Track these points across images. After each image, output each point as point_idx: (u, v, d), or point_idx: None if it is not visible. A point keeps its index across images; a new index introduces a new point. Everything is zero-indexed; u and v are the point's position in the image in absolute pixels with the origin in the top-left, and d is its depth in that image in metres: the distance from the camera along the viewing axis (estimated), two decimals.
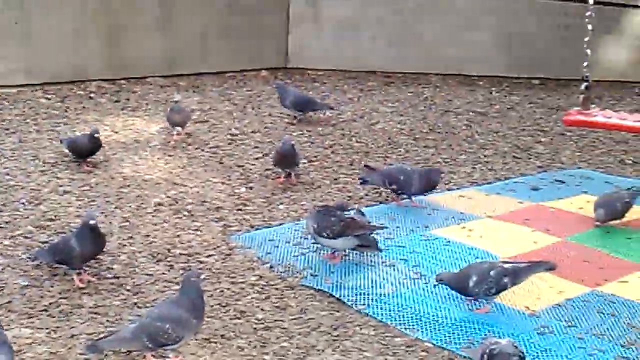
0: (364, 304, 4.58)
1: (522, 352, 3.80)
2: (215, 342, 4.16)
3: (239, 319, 4.39)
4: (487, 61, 10.22)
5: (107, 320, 4.30)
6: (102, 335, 4.01)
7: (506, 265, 4.50)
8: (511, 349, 3.79)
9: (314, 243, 5.17)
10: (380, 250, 5.08)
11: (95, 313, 4.36)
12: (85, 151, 6.48)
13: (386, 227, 5.27)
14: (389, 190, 6.07)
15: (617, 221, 5.72)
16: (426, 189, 6.01)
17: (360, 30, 10.17)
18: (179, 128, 7.22)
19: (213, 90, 9.01)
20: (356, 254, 5.13)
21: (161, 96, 8.63)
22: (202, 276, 4.12)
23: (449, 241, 5.40)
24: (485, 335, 4.14)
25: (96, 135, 6.45)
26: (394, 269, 4.97)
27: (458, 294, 4.53)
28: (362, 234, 4.99)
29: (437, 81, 9.94)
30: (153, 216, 5.64)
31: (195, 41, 9.59)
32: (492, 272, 4.40)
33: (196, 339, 4.12)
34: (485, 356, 3.77)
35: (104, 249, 4.82)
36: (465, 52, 10.18)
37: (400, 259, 5.09)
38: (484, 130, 8.10)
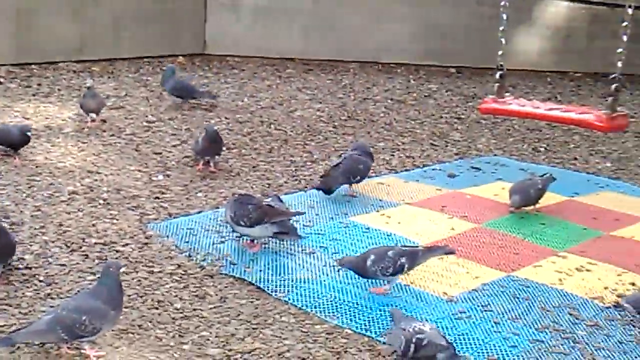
0: (284, 292, 4.56)
1: (449, 340, 3.86)
2: (133, 333, 4.08)
3: (156, 308, 4.31)
4: (404, 49, 10.31)
5: (20, 312, 4.15)
6: (15, 328, 3.89)
7: (405, 248, 4.58)
8: (440, 337, 3.83)
9: (232, 232, 5.12)
10: (300, 237, 5.07)
11: (7, 305, 4.21)
12: (12, 143, 6.23)
13: (303, 213, 5.25)
14: (347, 185, 6.03)
15: (531, 207, 5.85)
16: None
17: (279, 17, 10.13)
18: (93, 114, 7.05)
19: (128, 76, 8.83)
20: (276, 242, 5.10)
21: (74, 82, 8.42)
22: (122, 267, 4.03)
23: (368, 228, 5.42)
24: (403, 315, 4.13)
25: (28, 133, 6.24)
26: (313, 257, 4.96)
27: (358, 276, 4.55)
28: (279, 222, 4.96)
29: (356, 69, 9.99)
30: (67, 205, 5.49)
31: (110, 26, 9.38)
32: (389, 253, 4.46)
33: (113, 330, 4.03)
34: (412, 345, 3.79)
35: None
36: (382, 40, 10.25)
37: (320, 247, 5.09)
38: (402, 118, 8.17)
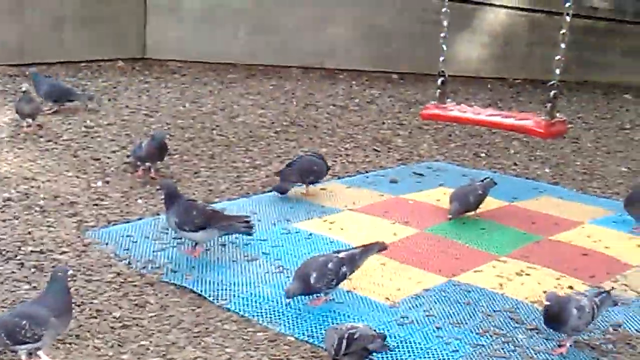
0: (225, 299, 4.50)
1: (383, 334, 3.90)
2: (70, 343, 3.98)
3: (95, 318, 4.22)
4: (347, 55, 10.33)
5: None
6: None
7: (341, 255, 4.52)
8: (371, 331, 3.86)
9: (175, 238, 5.05)
10: (250, 233, 5.01)
11: None
12: None
13: (248, 217, 5.19)
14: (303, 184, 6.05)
15: (472, 212, 5.90)
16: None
17: (221, 22, 10.07)
18: (29, 119, 6.89)
19: (67, 80, 8.66)
20: (218, 249, 5.04)
21: (10, 86, 8.24)
22: (69, 272, 3.95)
23: (310, 234, 5.39)
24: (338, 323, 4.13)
25: None
26: (255, 264, 4.92)
27: (307, 296, 4.48)
28: (224, 226, 4.91)
29: (298, 74, 9.97)
30: (1, 212, 5.36)
31: (48, 29, 9.20)
32: (330, 265, 4.41)
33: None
34: (344, 341, 3.79)
35: None
36: (325, 45, 10.27)
37: (262, 253, 5.05)
38: (344, 124, 8.18)
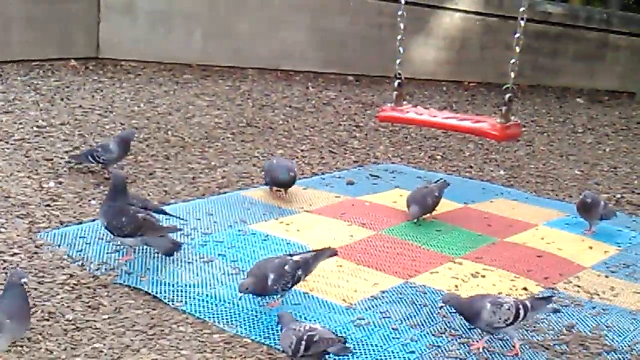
0: (181, 301, 4.45)
1: (343, 337, 3.89)
2: (22, 346, 3.89)
3: (47, 320, 4.14)
4: (303, 57, 10.33)
5: None
6: None
7: (295, 258, 4.50)
8: (330, 333, 3.85)
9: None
10: (172, 254, 4.84)
11: None
12: None
13: (180, 230, 5.03)
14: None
15: (428, 214, 5.92)
16: None
17: (176, 23, 9.99)
18: None
19: (17, 79, 8.51)
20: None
21: None
22: (24, 277, 3.86)
23: (267, 236, 5.37)
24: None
25: None
26: (211, 265, 4.87)
27: (260, 297, 4.44)
28: (151, 239, 4.80)
29: (254, 75, 9.94)
30: None
31: None
32: (286, 267, 4.39)
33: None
34: (303, 343, 3.77)
35: None
36: (280, 47, 10.25)
37: (219, 254, 5.01)
38: (300, 125, 8.17)
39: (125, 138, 6.25)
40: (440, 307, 4.43)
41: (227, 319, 4.32)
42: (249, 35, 10.14)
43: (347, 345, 3.92)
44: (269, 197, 6.08)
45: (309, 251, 4.70)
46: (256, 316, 4.35)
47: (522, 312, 4.17)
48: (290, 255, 4.57)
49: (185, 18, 9.99)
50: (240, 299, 4.41)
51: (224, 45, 10.11)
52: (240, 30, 10.11)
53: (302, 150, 7.40)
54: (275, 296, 4.47)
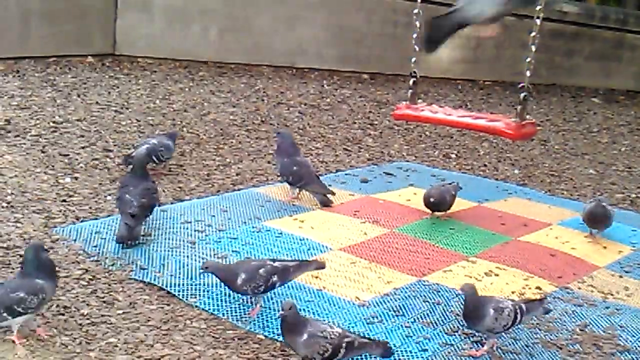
0: (195, 297, 4.48)
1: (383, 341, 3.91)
2: (37, 340, 3.93)
3: (62, 315, 4.17)
4: (318, 54, 10.34)
5: None
6: None
7: (276, 264, 4.43)
8: (363, 338, 3.87)
9: (145, 235, 5.02)
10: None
11: None
12: None
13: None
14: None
15: (442, 213, 5.93)
16: None
17: (192, 20, 10.02)
18: None
19: (35, 75, 8.56)
20: (187, 246, 5.02)
21: None
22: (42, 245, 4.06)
23: (281, 233, 5.39)
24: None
25: None
26: (225, 262, 4.89)
27: (227, 288, 4.42)
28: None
29: (269, 73, 9.96)
30: None
31: (15, 23, 9.08)
32: (261, 271, 4.34)
33: (17, 337, 3.89)
34: (342, 351, 3.76)
35: None
36: (296, 44, 10.27)
37: (233, 251, 5.03)
38: (315, 123, 8.18)
39: (175, 136, 6.45)
40: (457, 295, 4.41)
41: (240, 315, 4.34)
42: (265, 32, 10.16)
43: (389, 346, 3.91)
44: (283, 194, 6.10)
45: (296, 260, 4.60)
46: (269, 313, 4.36)
47: (519, 316, 4.15)
48: (274, 260, 4.49)
49: (201, 14, 10.03)
50: (201, 275, 4.46)
51: (239, 42, 10.14)
52: (256, 27, 10.14)
53: (316, 148, 7.42)
54: (244, 297, 4.44)
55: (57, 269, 4.14)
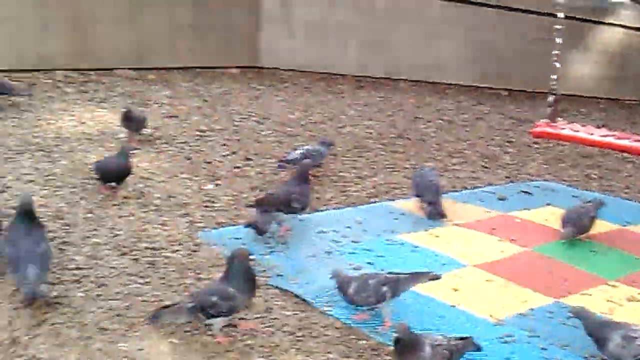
0: (329, 306, 4.55)
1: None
2: (181, 338, 4.10)
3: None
4: (455, 70, 10.30)
5: (69, 311, 4.22)
6: (70, 324, 4.02)
7: (389, 275, 4.43)
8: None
9: (282, 243, 5.16)
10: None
11: (58, 303, 4.28)
12: (113, 175, 5.84)
13: None
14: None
15: (583, 235, 5.77)
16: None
17: (331, 33, 10.19)
18: (138, 132, 6.92)
19: (182, 85, 8.93)
20: (324, 255, 5.11)
21: (129, 89, 8.53)
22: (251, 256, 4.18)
23: (416, 246, 5.39)
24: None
25: (126, 154, 5.83)
26: (360, 273, 4.94)
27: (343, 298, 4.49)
28: None
29: (406, 87, 9.99)
30: (119, 209, 5.57)
31: (165, 35, 9.52)
32: (371, 281, 4.36)
33: (161, 332, 4.07)
34: (455, 354, 3.80)
35: None
36: (433, 60, 10.26)
37: (367, 263, 5.08)
38: (452, 139, 8.15)
39: (328, 144, 6.79)
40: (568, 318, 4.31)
41: (373, 326, 4.37)
42: (403, 46, 10.21)
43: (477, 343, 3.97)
44: (418, 208, 6.11)
45: (410, 273, 4.53)
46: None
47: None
48: (389, 273, 4.50)
49: (340, 29, 10.18)
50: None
51: (378, 56, 10.22)
52: (394, 42, 10.20)
53: (452, 164, 7.38)
54: (359, 308, 4.46)
55: (255, 279, 4.21)
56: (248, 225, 5.27)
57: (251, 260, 4.18)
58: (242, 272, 4.14)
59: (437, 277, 4.53)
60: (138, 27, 9.35)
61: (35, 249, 4.27)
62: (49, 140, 6.70)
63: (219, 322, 4.12)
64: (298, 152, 6.50)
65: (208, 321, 4.13)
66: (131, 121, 6.86)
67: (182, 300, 4.22)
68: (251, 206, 5.44)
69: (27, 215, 4.46)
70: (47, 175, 6.01)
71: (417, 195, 6.06)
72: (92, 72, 8.83)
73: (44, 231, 4.53)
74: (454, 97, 9.80)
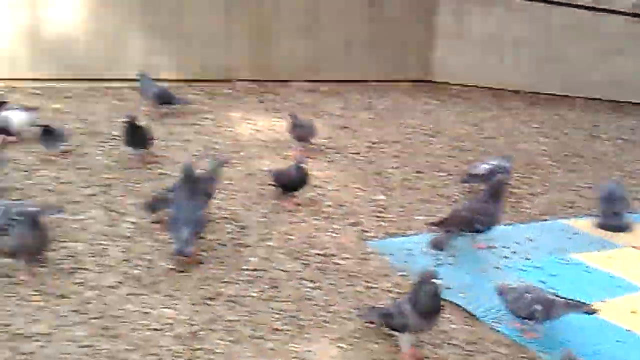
0: (498, 322, 4.49)
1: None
2: (350, 344, 4.18)
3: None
4: (634, 87, 9.86)
5: (244, 310, 4.39)
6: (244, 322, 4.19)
7: (548, 296, 4.34)
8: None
9: (451, 255, 5.14)
10: None
11: (233, 302, 4.47)
12: (290, 184, 5.93)
13: None
14: None
15: None
16: None
17: (505, 49, 10.03)
18: (304, 143, 7.00)
19: (355, 98, 9.08)
20: (494, 271, 5.05)
21: (304, 100, 8.76)
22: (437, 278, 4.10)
23: (588, 267, 5.23)
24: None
25: (302, 165, 5.90)
26: None
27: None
28: None
29: (582, 105, 9.68)
30: (291, 215, 5.73)
31: (339, 49, 9.70)
32: (527, 295, 4.33)
33: (329, 337, 4.16)
34: None
35: None
36: (610, 76, 9.87)
37: (539, 281, 4.97)
38: (632, 159, 7.82)
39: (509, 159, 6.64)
40: None
41: (542, 345, 4.28)
42: (578, 63, 9.90)
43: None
44: (592, 228, 5.91)
45: (568, 300, 4.37)
46: (572, 346, 4.24)
47: None
48: (553, 294, 4.42)
49: (515, 44, 10.00)
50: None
51: (553, 72, 9.97)
52: (570, 58, 9.91)
53: (632, 185, 7.08)
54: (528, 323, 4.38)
55: (441, 306, 4.12)
56: (434, 246, 5.21)
57: (437, 282, 4.06)
58: (428, 297, 4.04)
59: (593, 312, 4.36)
60: (314, 41, 9.58)
61: (191, 215, 4.80)
62: (227, 146, 6.99)
63: (406, 338, 4.12)
64: (484, 166, 6.38)
65: (397, 334, 4.16)
66: (298, 128, 6.98)
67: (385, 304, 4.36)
68: (434, 225, 5.41)
69: (188, 180, 4.98)
70: (224, 180, 6.26)
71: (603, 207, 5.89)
72: (269, 83, 9.13)
73: (204, 200, 5.13)
74: (633, 116, 9.39)
